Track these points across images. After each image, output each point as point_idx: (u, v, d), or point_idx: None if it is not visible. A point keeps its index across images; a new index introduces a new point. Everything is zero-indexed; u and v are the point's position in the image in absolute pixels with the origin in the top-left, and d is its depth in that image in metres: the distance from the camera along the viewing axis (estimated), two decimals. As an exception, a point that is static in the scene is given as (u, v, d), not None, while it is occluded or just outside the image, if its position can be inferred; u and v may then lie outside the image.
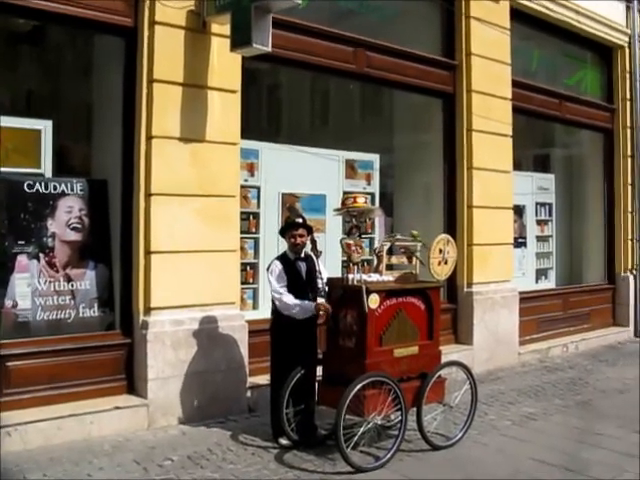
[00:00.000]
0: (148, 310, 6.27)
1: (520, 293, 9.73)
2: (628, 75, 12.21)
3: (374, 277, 5.68)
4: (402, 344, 5.65)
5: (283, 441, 5.76)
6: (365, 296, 5.30)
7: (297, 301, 5.65)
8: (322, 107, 10.60)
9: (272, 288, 5.74)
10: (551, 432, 6.47)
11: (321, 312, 5.66)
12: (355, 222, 5.76)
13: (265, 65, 8.20)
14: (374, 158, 8.57)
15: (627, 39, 12.17)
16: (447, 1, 9.26)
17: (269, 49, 6.31)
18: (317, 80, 9.51)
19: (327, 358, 5.83)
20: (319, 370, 5.88)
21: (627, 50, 12.20)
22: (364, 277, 5.56)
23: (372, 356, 5.43)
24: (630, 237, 12.07)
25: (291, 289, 5.71)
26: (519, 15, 10.03)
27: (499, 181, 9.36)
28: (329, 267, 6.56)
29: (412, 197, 9.44)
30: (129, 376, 6.35)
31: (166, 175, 6.34)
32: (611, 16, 11.79)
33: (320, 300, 5.79)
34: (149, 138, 6.30)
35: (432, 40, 9.34)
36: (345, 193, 7.55)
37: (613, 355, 10.42)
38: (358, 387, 5.23)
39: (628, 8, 12.17)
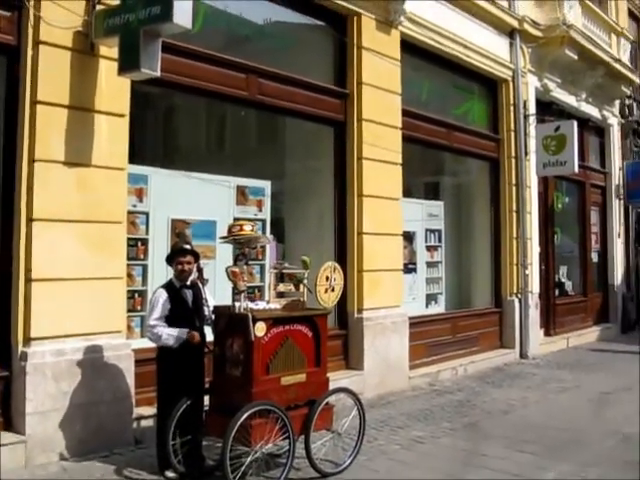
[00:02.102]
0: (28, 340, 5.99)
1: (410, 318, 9.89)
2: (512, 107, 12.75)
3: (261, 305, 5.67)
4: (289, 372, 5.65)
5: (169, 474, 5.62)
6: (251, 324, 5.28)
7: (169, 330, 5.57)
8: (215, 133, 10.54)
9: (147, 320, 5.64)
10: (438, 455, 6.61)
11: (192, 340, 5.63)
12: (242, 250, 5.74)
13: (156, 89, 8.09)
14: (265, 185, 8.55)
15: (511, 73, 12.72)
16: (339, 31, 9.41)
17: (158, 74, 6.22)
18: (210, 106, 9.44)
19: (214, 387, 5.76)
20: (207, 400, 5.79)
21: (511, 83, 12.75)
22: (251, 305, 5.54)
23: (259, 385, 5.40)
24: (515, 262, 12.51)
25: (177, 318, 5.62)
26: (410, 47, 10.34)
27: (389, 208, 9.53)
28: (220, 295, 6.51)
29: (304, 223, 9.48)
30: (6, 411, 6.02)
31: (49, 200, 6.13)
32: (497, 51, 12.33)
33: (207, 328, 5.74)
34: (32, 161, 6.08)
35: (324, 69, 9.46)
36: (236, 219, 7.54)
37: (499, 377, 10.75)
38: (244, 417, 5.20)
39: (511, 45, 12.74)
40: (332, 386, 6.21)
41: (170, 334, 5.57)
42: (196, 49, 7.54)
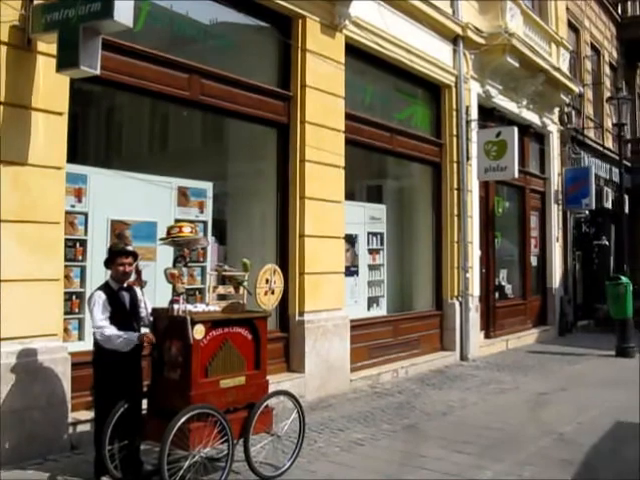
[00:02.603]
0: (-42, 344, 5.83)
1: (352, 321, 9.91)
2: (455, 112, 12.93)
3: (200, 307, 5.63)
4: (228, 375, 5.61)
5: (105, 480, 5.53)
6: (190, 327, 5.23)
7: (120, 332, 5.46)
8: (156, 133, 10.40)
9: (93, 322, 5.50)
10: (377, 457, 6.65)
11: (145, 343, 5.52)
12: (181, 252, 5.69)
13: (97, 88, 7.96)
14: (207, 186, 8.45)
15: (454, 79, 12.90)
16: (284, 34, 9.39)
17: (98, 72, 6.11)
18: (152, 105, 9.33)
19: (152, 391, 5.69)
20: (145, 403, 5.72)
21: (454, 89, 12.92)
22: (189, 307, 5.49)
23: (197, 388, 5.35)
24: (456, 265, 12.68)
25: (115, 320, 5.51)
26: (354, 51, 10.38)
27: (331, 211, 9.55)
28: (162, 297, 6.41)
29: (246, 225, 9.44)
30: None
31: (-18, 199, 5.97)
32: (440, 57, 12.47)
33: (144, 330, 5.66)
34: (-36, 160, 5.92)
35: (268, 71, 9.43)
36: (177, 221, 7.46)
37: (440, 379, 10.86)
38: (182, 420, 5.14)
39: (455, 51, 12.92)
40: (273, 389, 6.23)
41: (121, 336, 5.43)
42: (138, 48, 7.43)
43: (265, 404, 5.86)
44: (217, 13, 8.70)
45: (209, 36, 8.81)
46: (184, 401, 5.30)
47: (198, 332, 5.30)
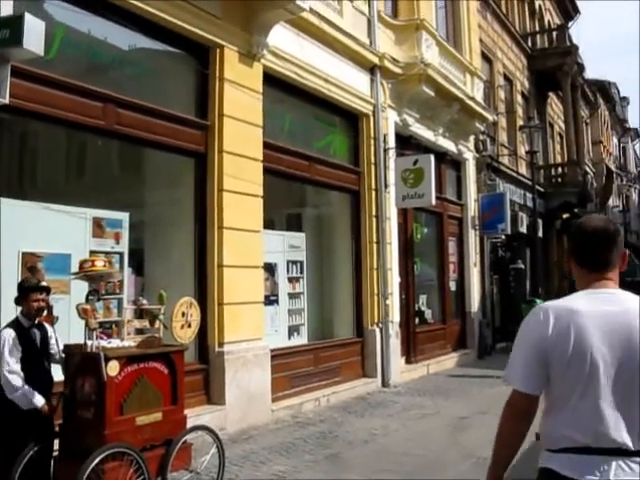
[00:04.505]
0: None
1: (272, 350, 9.84)
2: (373, 141, 13.11)
3: (114, 343, 5.48)
4: (145, 411, 5.48)
5: (12, 530, 5.24)
6: (103, 363, 5.09)
7: (27, 390, 5.21)
8: (71, 163, 10.12)
9: (3, 363, 5.19)
10: (299, 489, 6.61)
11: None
12: (95, 285, 5.54)
13: (7, 116, 7.72)
14: (123, 216, 8.26)
15: (372, 108, 13.09)
16: (202, 62, 9.37)
17: (6, 101, 5.98)
18: (67, 135, 9.09)
19: (64, 431, 5.48)
20: (56, 444, 5.51)
21: (372, 118, 13.11)
22: (103, 343, 5.34)
23: (112, 426, 5.20)
24: (376, 292, 12.76)
25: (26, 359, 5.28)
26: (272, 80, 10.42)
27: (249, 240, 9.49)
28: (76, 332, 6.20)
29: (164, 256, 9.26)
30: None
31: None
32: (358, 86, 12.66)
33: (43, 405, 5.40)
34: None
35: (186, 99, 9.37)
36: (92, 252, 7.29)
37: (362, 406, 10.87)
38: (97, 460, 4.97)
39: (372, 80, 13.14)
40: (193, 422, 6.11)
41: (27, 396, 5.19)
42: (51, 76, 7.25)
43: (183, 440, 5.73)
44: (135, 40, 8.59)
45: (126, 63, 8.69)
46: (98, 440, 5.13)
47: (112, 368, 5.16)
